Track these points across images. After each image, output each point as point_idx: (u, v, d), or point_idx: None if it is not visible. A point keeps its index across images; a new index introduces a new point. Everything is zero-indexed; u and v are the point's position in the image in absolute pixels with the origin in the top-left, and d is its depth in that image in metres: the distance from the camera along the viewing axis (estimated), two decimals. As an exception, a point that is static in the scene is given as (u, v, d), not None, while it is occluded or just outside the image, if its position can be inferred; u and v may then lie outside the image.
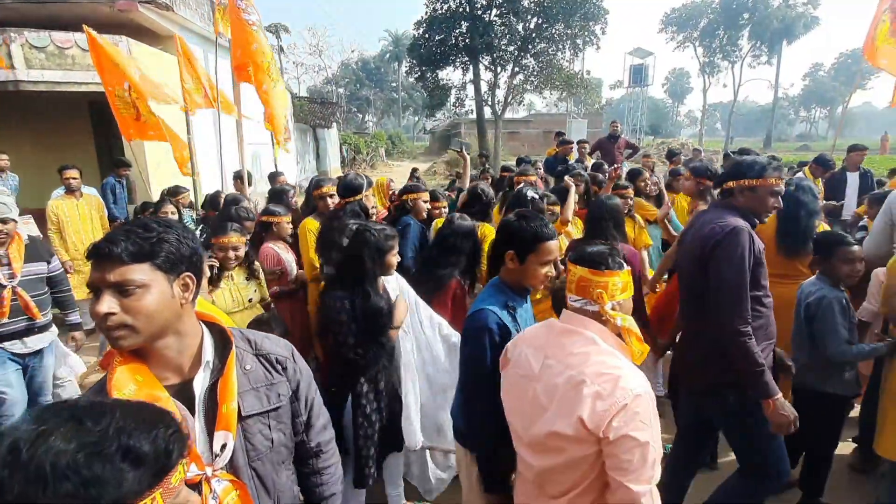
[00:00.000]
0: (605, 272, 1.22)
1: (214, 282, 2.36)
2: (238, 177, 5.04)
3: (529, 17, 15.76)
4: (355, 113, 34.17)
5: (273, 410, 1.03)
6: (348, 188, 2.95)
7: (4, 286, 2.42)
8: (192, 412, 0.92)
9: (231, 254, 2.40)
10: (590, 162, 6.71)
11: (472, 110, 18.00)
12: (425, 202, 3.25)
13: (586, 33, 15.80)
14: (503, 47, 16.29)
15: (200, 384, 0.93)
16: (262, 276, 2.66)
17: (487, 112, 17.38)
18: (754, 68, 40.02)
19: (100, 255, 0.83)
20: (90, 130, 7.83)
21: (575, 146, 7.06)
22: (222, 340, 1.00)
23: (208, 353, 0.96)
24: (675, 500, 2.20)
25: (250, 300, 2.52)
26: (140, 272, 0.84)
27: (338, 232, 2.60)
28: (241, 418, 0.96)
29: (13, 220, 2.47)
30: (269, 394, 1.03)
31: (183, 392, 0.92)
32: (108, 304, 0.82)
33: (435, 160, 23.99)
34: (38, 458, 0.53)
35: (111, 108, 4.53)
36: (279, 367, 1.06)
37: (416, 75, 17.21)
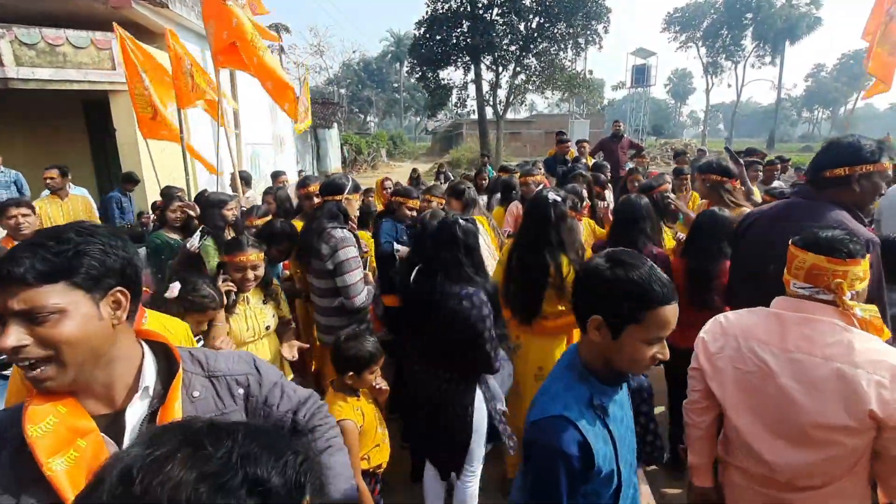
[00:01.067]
0: (848, 261, 1.16)
1: (230, 308, 2.05)
2: (244, 177, 4.95)
3: (531, 16, 15.64)
4: (357, 113, 34.11)
5: None
6: (328, 187, 2.76)
7: None
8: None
9: (250, 274, 2.06)
10: (590, 162, 6.57)
11: (473, 111, 17.87)
12: (410, 209, 3.13)
13: (588, 32, 15.67)
14: (505, 47, 16.17)
15: (135, 414, 0.79)
16: (281, 296, 2.37)
17: (489, 112, 17.25)
18: (757, 69, 39.84)
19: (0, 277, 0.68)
20: (85, 129, 7.72)
21: (574, 145, 6.92)
22: (168, 362, 0.86)
23: (148, 378, 0.82)
24: None
25: (268, 327, 2.20)
26: (53, 294, 0.69)
27: (316, 234, 2.45)
28: None
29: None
30: None
31: (116, 424, 0.78)
32: (16, 336, 0.68)
33: (437, 160, 23.88)
34: (153, 490, 0.44)
35: (132, 105, 4.63)
36: (237, 392, 0.91)
37: (418, 75, 17.09)
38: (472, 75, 16.68)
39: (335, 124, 15.81)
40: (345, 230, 2.63)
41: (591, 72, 18.31)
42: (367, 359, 1.80)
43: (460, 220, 1.94)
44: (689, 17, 38.82)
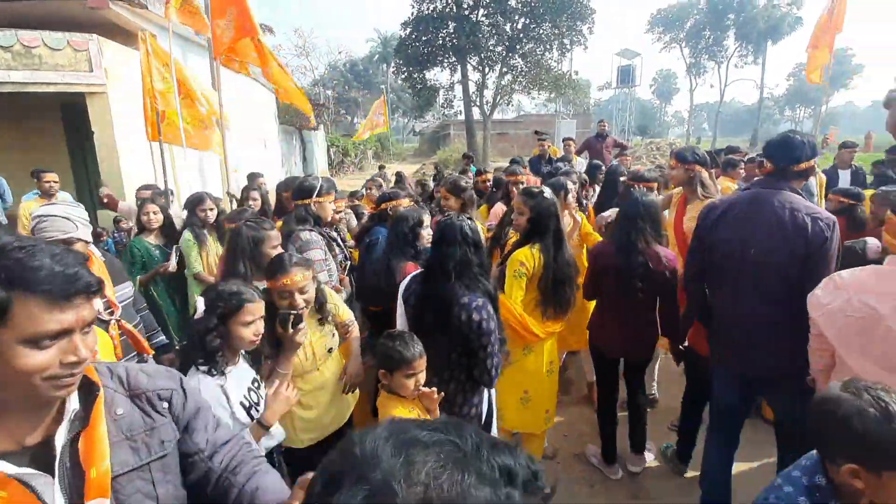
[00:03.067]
0: None
1: (291, 343, 1.73)
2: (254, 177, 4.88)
3: (517, 17, 15.70)
4: (343, 115, 33.87)
5: (156, 460, 0.84)
6: (298, 190, 2.69)
7: (107, 321, 1.86)
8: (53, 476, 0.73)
9: (298, 299, 1.77)
10: (576, 160, 6.61)
11: (460, 111, 17.87)
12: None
13: (574, 33, 15.77)
14: (491, 47, 16.22)
15: (61, 440, 0.74)
16: (337, 308, 2.13)
17: (476, 113, 17.29)
18: (740, 68, 40.43)
19: None
20: (63, 133, 7.54)
21: (555, 143, 6.96)
22: (88, 382, 0.80)
23: (74, 401, 0.77)
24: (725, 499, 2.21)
25: (330, 350, 2.03)
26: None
27: (285, 237, 2.42)
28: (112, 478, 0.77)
29: (81, 240, 1.91)
30: (150, 441, 0.84)
31: (45, 452, 0.73)
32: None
33: (424, 161, 23.80)
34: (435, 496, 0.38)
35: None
36: (160, 406, 0.87)
37: (404, 76, 17.05)
38: (458, 76, 16.71)
39: (321, 126, 15.66)
40: (313, 233, 2.61)
41: (576, 72, 18.51)
42: (397, 360, 1.67)
43: (465, 219, 1.93)
44: (673, 18, 39.26)
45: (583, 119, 26.09)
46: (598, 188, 4.73)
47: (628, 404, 2.82)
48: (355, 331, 2.26)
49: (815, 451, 1.12)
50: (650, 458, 2.93)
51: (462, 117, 17.61)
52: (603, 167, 5.35)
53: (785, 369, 1.97)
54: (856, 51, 48.07)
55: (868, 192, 3.66)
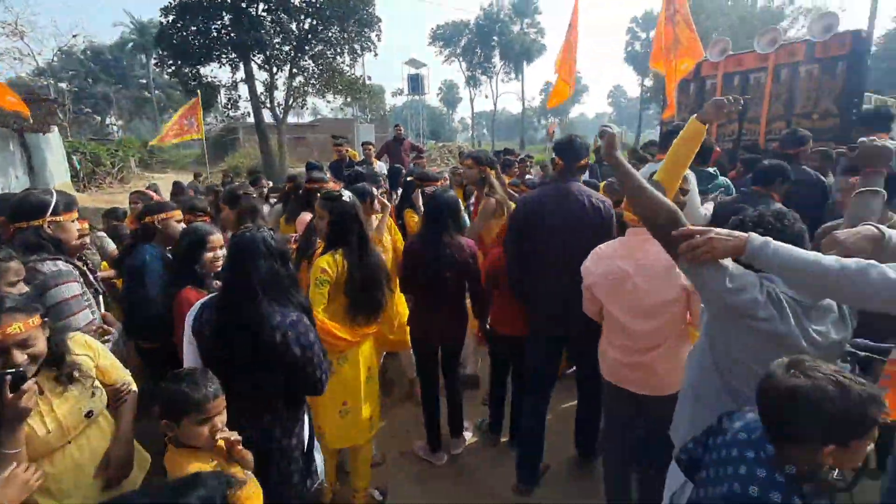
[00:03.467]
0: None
1: (14, 412, 1.27)
2: None
3: (303, 16, 15.11)
4: (90, 114, 27.32)
5: None
6: (19, 210, 2.01)
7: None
8: None
9: (18, 355, 1.32)
10: (377, 164, 6.71)
11: (248, 113, 16.32)
12: (179, 221, 2.60)
13: (363, 39, 16.00)
14: (277, 46, 15.22)
15: None
16: (96, 359, 1.63)
17: (268, 116, 16.02)
18: (506, 83, 47.76)
19: None
20: None
21: (345, 148, 6.95)
22: None
23: None
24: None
25: (90, 414, 1.53)
26: None
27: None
28: None
29: None
30: None
31: None
32: None
33: (211, 170, 21.03)
34: None
35: None
36: None
37: (171, 70, 14.66)
38: (242, 74, 15.18)
39: (55, 127, 12.17)
40: (59, 262, 2.00)
41: (370, 78, 18.85)
42: (183, 404, 1.38)
43: (266, 229, 1.74)
44: (450, 35, 43.80)
45: (380, 124, 26.90)
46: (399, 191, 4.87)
47: (447, 390, 2.97)
48: (131, 398, 1.74)
49: (750, 454, 1.13)
50: (469, 436, 3.15)
51: (252, 120, 16.07)
52: (403, 170, 5.56)
53: (593, 325, 2.31)
54: (582, 73, 62.04)
55: (602, 184, 4.68)
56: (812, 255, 1.22)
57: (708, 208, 2.91)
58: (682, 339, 2.02)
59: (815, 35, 4.84)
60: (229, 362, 1.61)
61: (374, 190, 3.22)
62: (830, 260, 1.19)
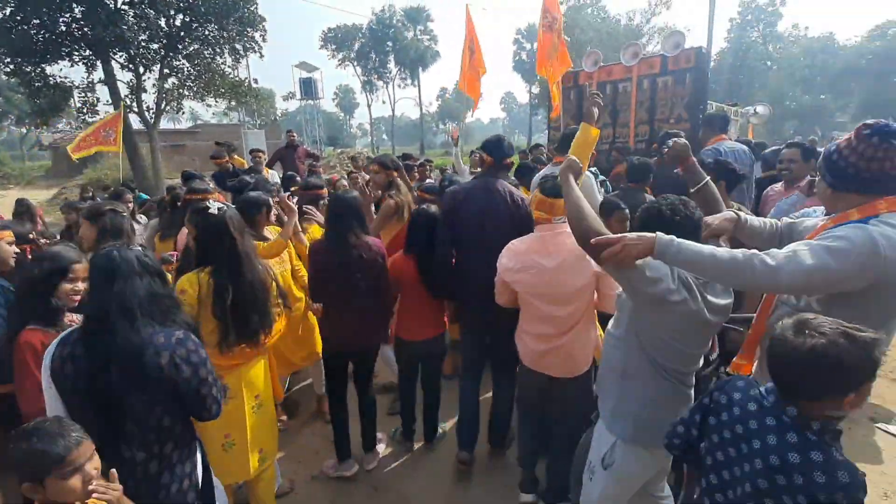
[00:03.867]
0: (559, 198, 2.05)
1: None
2: None
3: (173, 12, 13.67)
4: None
5: None
6: None
7: None
8: None
9: None
10: (267, 173, 6.30)
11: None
12: (10, 243, 2.17)
13: (245, 39, 14.94)
14: (143, 44, 13.57)
15: None
16: None
17: (136, 121, 14.20)
18: (403, 88, 48.03)
19: None
20: None
21: (226, 159, 6.43)
22: None
23: None
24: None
25: None
26: None
27: None
28: None
29: None
30: None
31: None
32: None
33: (64, 184, 18.19)
34: None
35: None
36: None
37: (8, 70, 12.34)
38: (100, 74, 13.27)
39: None
40: None
41: (256, 80, 17.64)
42: (40, 462, 1.19)
43: (136, 246, 1.58)
44: (342, 39, 42.89)
45: (271, 129, 25.42)
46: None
47: (360, 403, 2.87)
48: None
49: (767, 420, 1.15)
50: (382, 447, 3.06)
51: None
52: (298, 178, 5.28)
53: (507, 318, 2.47)
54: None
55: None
56: (708, 249, 1.37)
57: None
58: (592, 320, 2.28)
59: (667, 50, 5.54)
60: (102, 400, 1.41)
61: (269, 197, 3.01)
62: (723, 252, 1.36)
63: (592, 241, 1.48)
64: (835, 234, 1.39)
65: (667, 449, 1.50)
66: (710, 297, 1.52)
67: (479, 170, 3.22)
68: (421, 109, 50.82)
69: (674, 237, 1.39)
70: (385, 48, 43.43)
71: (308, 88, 27.27)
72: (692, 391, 1.71)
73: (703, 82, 5.49)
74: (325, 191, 3.47)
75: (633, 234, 1.42)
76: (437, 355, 2.97)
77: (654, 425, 1.62)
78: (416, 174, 6.10)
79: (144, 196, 6.37)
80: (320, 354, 3.08)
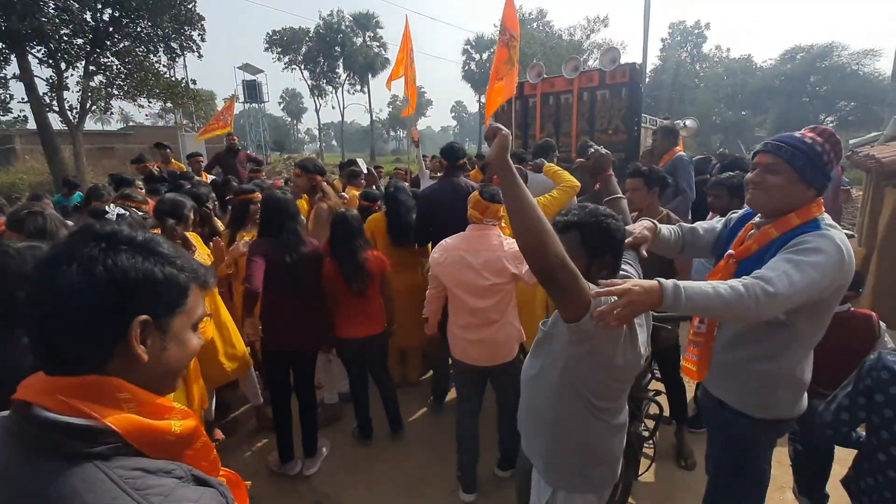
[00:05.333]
0: (498, 203, 2.36)
1: None
2: None
3: (100, 6, 12.76)
4: None
5: None
6: None
7: None
8: None
9: None
10: (207, 178, 6.00)
11: (26, 117, 13.13)
12: None
13: (182, 37, 14.20)
14: (66, 38, 12.56)
15: None
16: None
17: (56, 121, 13.07)
18: (353, 94, 47.46)
19: None
20: None
21: (154, 165, 6.10)
22: None
23: None
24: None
25: None
26: None
27: None
28: None
29: None
30: None
31: None
32: None
33: (-26, 188, 16.35)
34: None
35: None
36: None
37: None
38: (14, 69, 12.12)
39: None
40: None
41: (194, 81, 16.82)
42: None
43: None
44: (289, 42, 41.77)
45: (213, 133, 24.25)
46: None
47: (300, 406, 2.83)
48: None
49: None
50: (325, 451, 3.00)
51: (33, 125, 12.90)
52: (235, 183, 5.06)
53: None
54: (427, 89, 65.12)
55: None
56: (710, 289, 1.28)
57: None
58: (514, 312, 2.49)
59: (604, 65, 5.83)
60: None
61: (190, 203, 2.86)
62: (725, 289, 1.29)
63: (594, 293, 1.20)
64: (807, 246, 1.36)
65: (834, 441, 1.61)
66: (642, 330, 1.42)
67: (439, 174, 3.69)
68: (371, 116, 50.44)
69: (677, 282, 1.26)
70: (334, 52, 42.75)
71: (252, 91, 26.36)
72: (624, 415, 1.54)
73: (637, 96, 5.82)
74: (257, 195, 3.34)
75: (638, 287, 1.21)
76: (376, 352, 3.01)
77: (593, 469, 1.51)
78: (363, 181, 6.02)
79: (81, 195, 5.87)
80: (250, 363, 3.10)
